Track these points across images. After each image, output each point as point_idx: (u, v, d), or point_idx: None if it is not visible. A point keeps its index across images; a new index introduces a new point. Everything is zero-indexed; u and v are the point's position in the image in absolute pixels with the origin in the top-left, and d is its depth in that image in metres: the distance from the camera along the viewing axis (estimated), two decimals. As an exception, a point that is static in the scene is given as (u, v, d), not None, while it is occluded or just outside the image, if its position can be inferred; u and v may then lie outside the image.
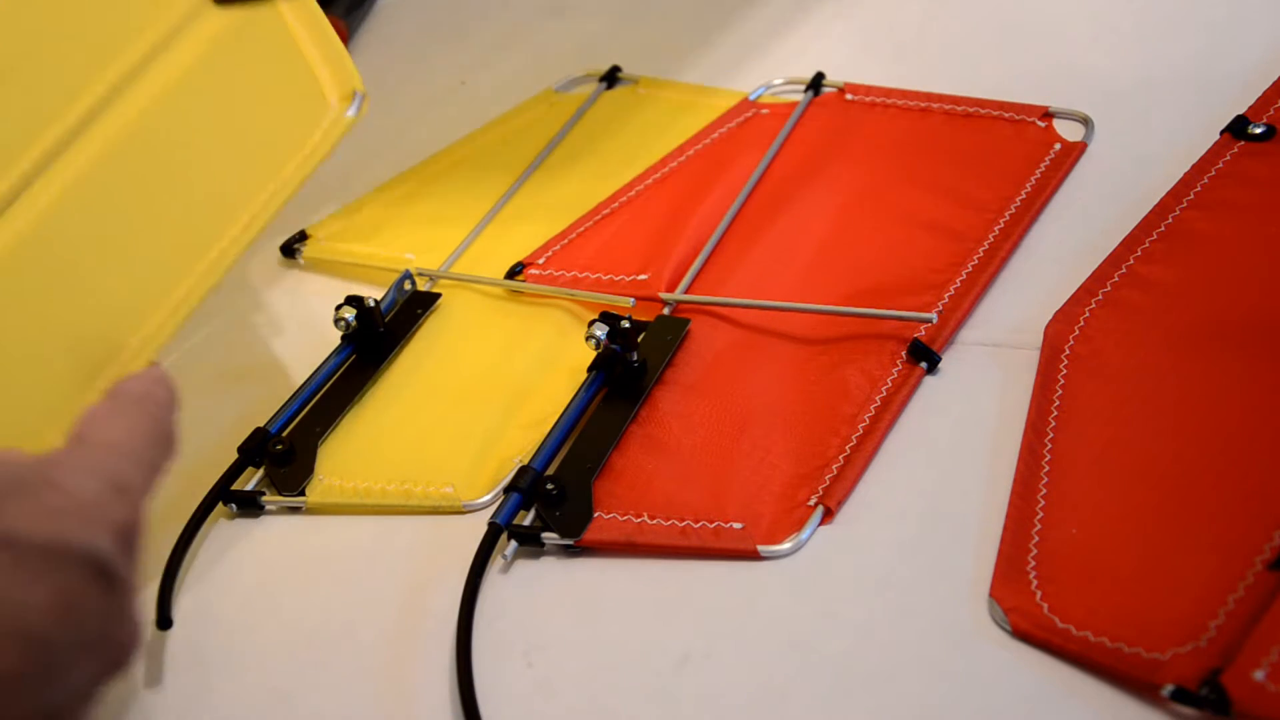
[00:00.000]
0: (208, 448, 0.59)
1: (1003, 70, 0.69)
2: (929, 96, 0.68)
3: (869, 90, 0.70)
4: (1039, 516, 0.48)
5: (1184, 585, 0.45)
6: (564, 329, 0.62)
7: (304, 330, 0.66)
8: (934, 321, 0.56)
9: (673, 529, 0.51)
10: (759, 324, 0.59)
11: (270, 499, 0.57)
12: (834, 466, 0.52)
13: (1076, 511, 0.48)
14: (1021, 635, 0.45)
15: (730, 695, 0.46)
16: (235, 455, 0.58)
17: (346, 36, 0.86)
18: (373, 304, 0.62)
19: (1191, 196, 0.58)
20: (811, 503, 0.51)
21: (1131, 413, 0.51)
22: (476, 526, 0.53)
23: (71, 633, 0.37)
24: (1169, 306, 0.54)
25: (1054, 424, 0.51)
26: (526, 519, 0.53)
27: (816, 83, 0.71)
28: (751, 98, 0.73)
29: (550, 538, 0.52)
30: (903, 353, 0.56)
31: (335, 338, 0.62)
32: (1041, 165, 0.63)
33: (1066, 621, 0.45)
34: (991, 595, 0.46)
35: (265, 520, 0.57)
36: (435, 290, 0.66)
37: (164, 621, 0.52)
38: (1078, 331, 0.54)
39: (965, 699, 0.44)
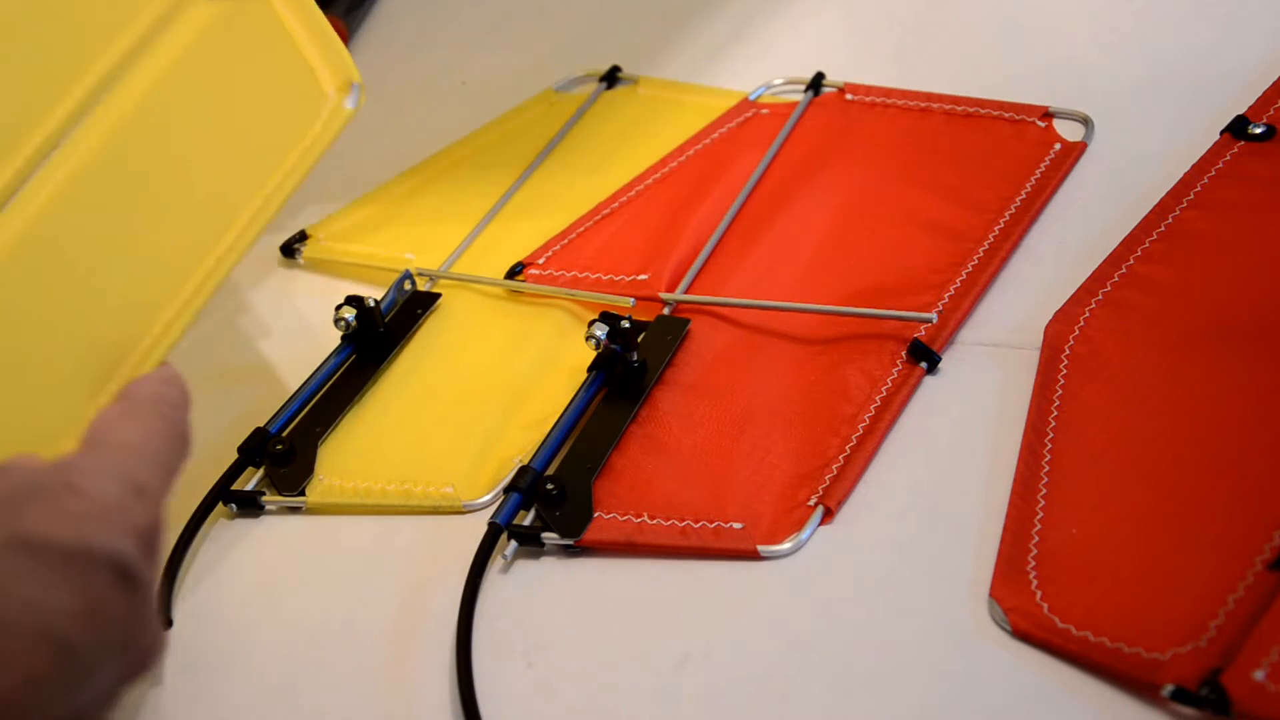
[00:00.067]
0: (207, 448, 0.59)
1: (1002, 70, 0.69)
2: (929, 96, 0.68)
3: (869, 90, 0.70)
4: (1039, 516, 0.48)
5: (1184, 585, 0.45)
6: (564, 329, 0.62)
7: (304, 330, 0.66)
8: (934, 321, 0.56)
9: (673, 529, 0.51)
10: (759, 324, 0.59)
11: (270, 499, 0.57)
12: (834, 466, 0.52)
13: (1076, 511, 0.48)
14: (1021, 635, 0.45)
15: (730, 695, 0.46)
16: (235, 455, 0.58)
17: (346, 36, 0.86)
18: (373, 304, 0.62)
19: (1191, 196, 0.58)
20: (811, 503, 0.51)
21: (1131, 413, 0.51)
22: (476, 526, 0.53)
23: (96, 636, 0.37)
24: (1169, 306, 0.54)
25: (1054, 424, 0.51)
26: (526, 519, 0.53)
27: (816, 83, 0.71)
28: (751, 98, 0.73)
29: (550, 538, 0.52)
30: (903, 353, 0.56)
31: (335, 338, 0.62)
32: (1041, 165, 0.63)
33: (1066, 621, 0.45)
34: (991, 595, 0.46)
35: (265, 520, 0.57)
36: (435, 290, 0.66)
37: (164, 621, 0.52)
38: (1078, 331, 0.54)
39: (965, 699, 0.44)
